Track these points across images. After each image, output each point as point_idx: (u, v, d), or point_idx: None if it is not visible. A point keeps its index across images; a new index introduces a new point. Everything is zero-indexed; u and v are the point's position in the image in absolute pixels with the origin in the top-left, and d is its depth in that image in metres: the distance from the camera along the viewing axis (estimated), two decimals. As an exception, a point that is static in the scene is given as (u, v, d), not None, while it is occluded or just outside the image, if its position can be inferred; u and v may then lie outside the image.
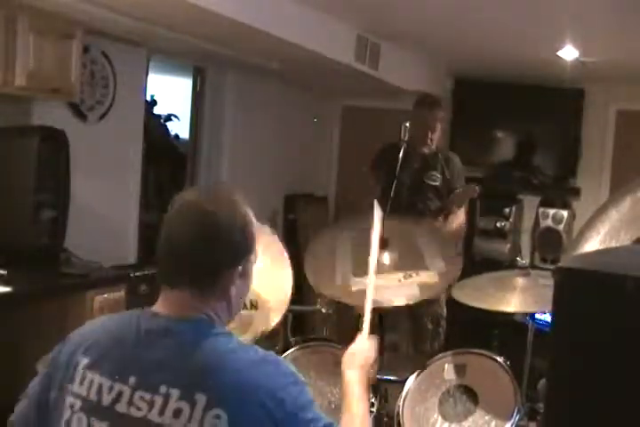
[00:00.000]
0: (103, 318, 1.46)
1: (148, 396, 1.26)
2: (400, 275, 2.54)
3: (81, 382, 1.32)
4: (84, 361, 1.33)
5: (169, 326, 1.32)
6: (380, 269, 2.48)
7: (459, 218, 3.89)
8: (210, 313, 1.35)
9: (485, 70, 5.53)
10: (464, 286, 2.75)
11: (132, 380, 1.27)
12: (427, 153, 3.94)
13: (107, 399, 1.28)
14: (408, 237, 2.78)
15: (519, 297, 2.61)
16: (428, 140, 3.89)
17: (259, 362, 1.29)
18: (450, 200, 3.86)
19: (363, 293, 2.12)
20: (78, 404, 1.31)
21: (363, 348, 1.77)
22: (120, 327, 1.37)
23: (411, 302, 2.51)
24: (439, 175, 3.93)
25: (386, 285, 2.45)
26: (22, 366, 2.67)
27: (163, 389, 1.25)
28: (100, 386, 1.29)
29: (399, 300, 2.48)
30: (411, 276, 2.55)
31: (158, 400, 1.25)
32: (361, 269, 2.36)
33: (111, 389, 1.28)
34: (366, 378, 1.66)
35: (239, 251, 1.36)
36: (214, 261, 1.34)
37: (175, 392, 1.24)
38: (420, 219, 3.70)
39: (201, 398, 1.23)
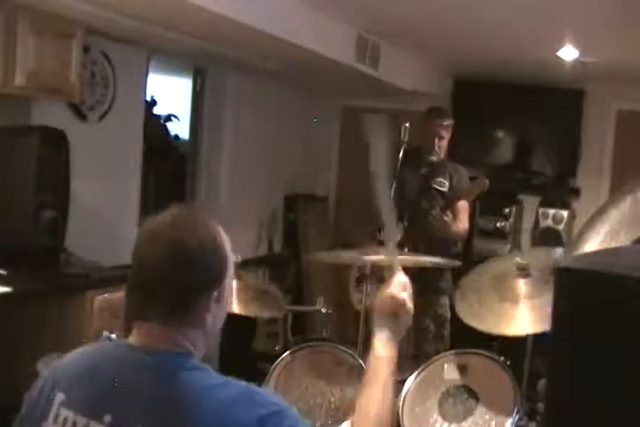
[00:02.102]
0: (78, 351, 1.40)
1: None
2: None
3: (55, 420, 1.28)
4: (60, 397, 1.30)
5: (145, 361, 1.28)
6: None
7: (462, 224, 3.89)
8: (186, 344, 1.31)
9: (485, 70, 5.53)
10: (466, 298, 2.71)
11: (107, 418, 1.24)
12: (435, 161, 3.97)
13: None
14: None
15: (524, 314, 2.57)
16: (436, 148, 3.92)
17: (237, 399, 1.24)
18: (458, 190, 3.87)
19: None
20: None
21: (396, 290, 1.56)
22: (95, 362, 1.33)
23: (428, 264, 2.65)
24: (446, 182, 3.96)
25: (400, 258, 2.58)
26: (22, 366, 2.68)
27: None
28: (75, 424, 1.26)
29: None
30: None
31: None
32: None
33: None
34: (395, 343, 1.53)
35: (212, 276, 1.32)
36: (187, 288, 1.29)
37: None
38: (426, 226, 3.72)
39: None
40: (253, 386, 1.30)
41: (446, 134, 3.95)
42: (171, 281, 1.28)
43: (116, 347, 1.34)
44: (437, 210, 3.77)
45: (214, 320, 1.34)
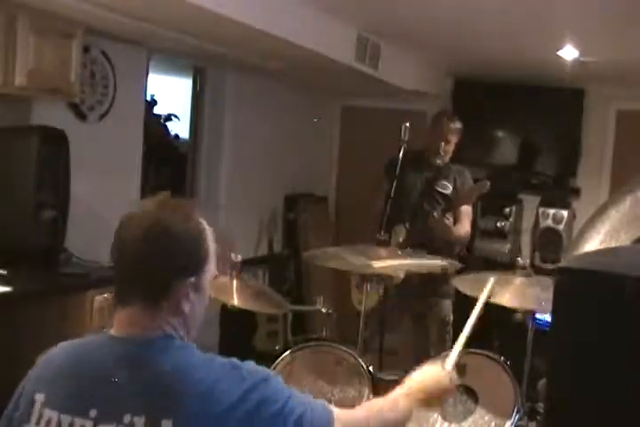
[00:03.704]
0: (60, 346, 1.39)
1: None
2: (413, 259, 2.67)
3: (38, 422, 1.27)
4: (40, 398, 1.28)
5: (127, 350, 1.27)
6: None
7: (464, 228, 3.88)
8: (167, 328, 1.30)
9: (485, 70, 5.52)
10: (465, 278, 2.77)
11: (92, 413, 1.23)
12: (439, 164, 3.94)
13: None
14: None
15: (519, 294, 2.60)
16: (441, 151, 3.89)
17: (220, 377, 1.25)
18: (461, 193, 3.86)
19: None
20: None
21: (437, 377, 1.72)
22: (75, 357, 1.32)
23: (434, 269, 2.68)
24: (450, 185, 3.94)
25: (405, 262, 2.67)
26: (22, 366, 2.67)
27: (127, 418, 1.20)
28: (59, 424, 1.24)
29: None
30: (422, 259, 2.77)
31: None
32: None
33: (71, 425, 1.24)
34: (423, 398, 1.62)
35: (191, 261, 1.31)
36: (163, 268, 1.29)
37: (139, 421, 1.20)
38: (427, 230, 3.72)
39: (167, 424, 1.19)
40: (237, 360, 1.31)
41: (454, 139, 3.92)
42: (146, 261, 1.28)
43: (98, 339, 1.32)
44: (438, 212, 3.77)
45: (193, 309, 1.33)
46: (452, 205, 3.87)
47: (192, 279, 1.31)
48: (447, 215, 3.79)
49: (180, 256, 1.30)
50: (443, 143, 3.88)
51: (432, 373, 1.71)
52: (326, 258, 2.93)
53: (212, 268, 1.37)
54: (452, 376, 1.73)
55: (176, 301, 1.30)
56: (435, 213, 3.75)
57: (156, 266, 1.28)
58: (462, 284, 2.72)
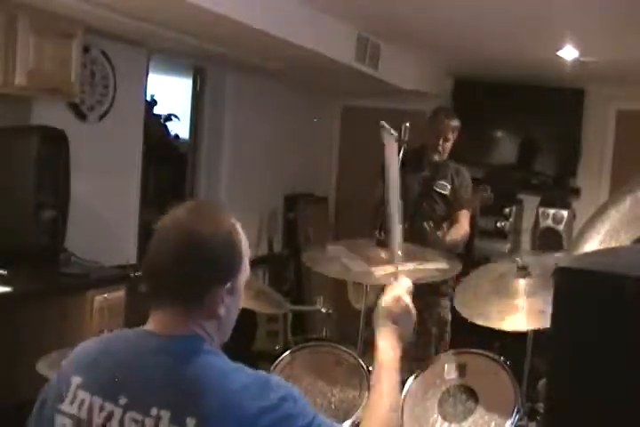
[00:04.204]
0: (95, 338, 1.43)
1: (139, 417, 1.24)
2: (414, 264, 2.61)
3: (72, 402, 1.30)
4: (77, 380, 1.32)
5: (160, 344, 1.30)
6: (387, 261, 2.60)
7: (462, 228, 3.88)
8: (200, 332, 1.33)
9: (485, 70, 5.52)
10: (466, 299, 2.70)
11: (122, 400, 1.26)
12: (437, 161, 3.94)
13: (98, 419, 1.27)
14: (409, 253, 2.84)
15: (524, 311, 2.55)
16: (439, 148, 3.90)
17: (248, 385, 1.26)
18: (459, 193, 3.87)
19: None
20: (69, 423, 1.29)
21: (398, 294, 1.59)
22: (113, 346, 1.36)
23: (436, 279, 2.59)
24: (448, 185, 3.94)
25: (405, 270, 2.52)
26: (22, 366, 2.68)
27: (154, 411, 1.23)
28: (91, 405, 1.28)
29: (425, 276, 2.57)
30: (422, 264, 2.64)
31: (149, 423, 1.23)
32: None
33: (102, 408, 1.27)
34: (401, 344, 1.53)
35: (225, 268, 1.34)
36: (199, 278, 1.31)
37: (166, 415, 1.22)
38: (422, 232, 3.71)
39: (191, 422, 1.21)
40: (267, 375, 1.32)
41: (452, 136, 3.93)
42: (183, 270, 1.30)
43: (133, 332, 1.36)
44: (430, 225, 3.77)
45: (228, 312, 1.36)
46: (450, 205, 3.87)
47: (228, 284, 1.34)
48: (441, 227, 3.80)
49: (215, 264, 1.32)
50: (441, 140, 3.89)
51: (388, 319, 1.57)
52: (326, 263, 2.89)
53: (246, 268, 1.39)
54: (403, 296, 1.59)
55: (212, 306, 1.33)
56: (426, 226, 3.75)
57: (191, 276, 1.30)
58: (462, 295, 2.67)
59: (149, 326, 1.34)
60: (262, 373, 1.32)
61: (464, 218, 3.91)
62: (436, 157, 3.93)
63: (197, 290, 1.32)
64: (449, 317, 3.90)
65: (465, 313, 2.54)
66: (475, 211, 3.95)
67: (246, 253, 1.39)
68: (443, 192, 3.94)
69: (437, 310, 3.90)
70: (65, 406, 1.31)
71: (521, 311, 2.49)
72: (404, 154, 3.80)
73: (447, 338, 3.92)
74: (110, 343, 1.37)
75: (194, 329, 1.32)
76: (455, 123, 3.95)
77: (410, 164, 3.77)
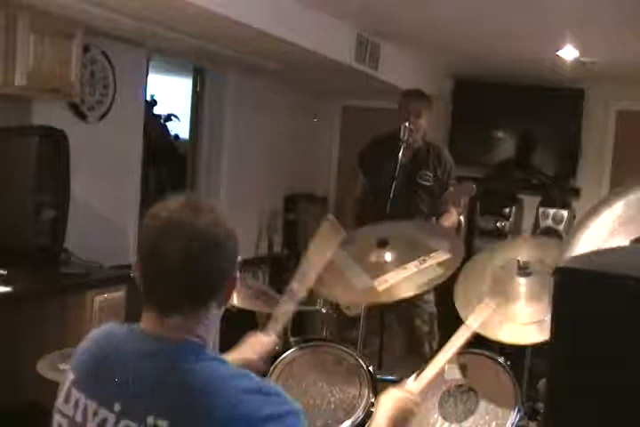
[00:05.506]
0: (92, 334, 1.38)
1: (133, 425, 1.20)
2: (415, 263, 2.57)
3: (66, 400, 1.28)
4: (71, 377, 1.29)
5: (158, 348, 1.25)
6: (388, 267, 2.60)
7: (452, 217, 3.85)
8: (201, 335, 1.29)
9: (485, 70, 5.53)
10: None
11: (117, 407, 1.22)
12: (414, 146, 3.84)
13: (91, 424, 1.24)
14: (405, 234, 2.78)
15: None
16: (411, 126, 3.71)
17: (250, 392, 1.21)
18: (443, 200, 3.84)
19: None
20: (65, 423, 1.28)
21: (407, 398, 1.78)
22: (110, 344, 1.31)
23: (440, 282, 2.54)
24: (431, 174, 3.90)
25: (408, 276, 2.50)
26: (23, 366, 2.68)
27: (150, 420, 1.18)
28: (86, 408, 1.25)
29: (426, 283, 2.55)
30: (425, 260, 2.59)
31: None
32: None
33: (96, 414, 1.23)
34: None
35: (234, 258, 1.32)
36: (212, 274, 1.28)
37: (163, 424, 1.18)
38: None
39: None
40: (267, 382, 1.30)
41: (420, 115, 3.82)
42: (196, 270, 1.26)
43: (130, 332, 1.31)
44: (423, 213, 3.77)
45: (214, 315, 1.34)
46: (435, 195, 3.85)
47: (234, 274, 1.33)
48: (429, 218, 3.80)
49: (228, 258, 1.31)
50: (407, 122, 3.72)
51: (398, 402, 1.75)
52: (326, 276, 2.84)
53: (237, 273, 1.36)
54: (416, 400, 1.79)
55: (226, 295, 1.32)
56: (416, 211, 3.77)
57: (206, 276, 1.28)
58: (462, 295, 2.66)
59: (147, 326, 1.29)
60: (265, 381, 1.28)
61: (452, 207, 3.85)
62: (411, 140, 3.73)
63: (204, 294, 1.28)
64: (434, 310, 3.91)
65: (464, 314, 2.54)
66: (461, 203, 3.90)
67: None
68: (426, 184, 3.89)
69: (423, 306, 3.89)
70: (61, 405, 1.29)
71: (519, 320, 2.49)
72: (379, 140, 3.81)
73: (436, 332, 3.90)
74: (106, 342, 1.33)
75: (196, 332, 1.28)
76: (420, 103, 3.88)
77: (386, 152, 3.69)
